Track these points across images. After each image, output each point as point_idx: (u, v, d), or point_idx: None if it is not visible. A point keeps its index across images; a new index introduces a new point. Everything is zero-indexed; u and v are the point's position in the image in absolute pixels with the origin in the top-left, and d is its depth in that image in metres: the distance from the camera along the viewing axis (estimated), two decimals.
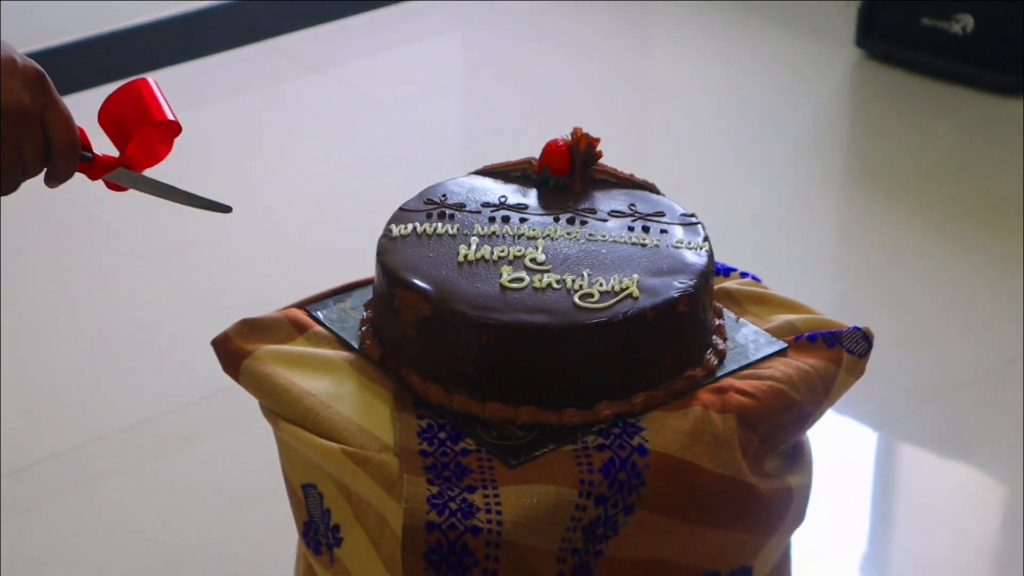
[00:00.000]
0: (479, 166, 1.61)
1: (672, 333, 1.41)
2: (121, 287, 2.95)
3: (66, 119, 1.25)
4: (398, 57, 3.77)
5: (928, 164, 3.38)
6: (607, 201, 1.54)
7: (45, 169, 1.26)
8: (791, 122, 3.53)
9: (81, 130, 1.26)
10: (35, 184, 2.85)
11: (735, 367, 1.46)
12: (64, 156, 1.26)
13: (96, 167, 1.30)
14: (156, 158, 1.34)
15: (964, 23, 3.58)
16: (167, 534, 2.40)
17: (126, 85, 1.30)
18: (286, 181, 3.15)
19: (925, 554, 2.41)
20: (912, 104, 3.58)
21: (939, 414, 2.67)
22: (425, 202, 1.52)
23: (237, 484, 2.46)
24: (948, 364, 2.76)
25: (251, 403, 1.49)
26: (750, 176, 3.32)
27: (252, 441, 2.25)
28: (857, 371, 1.50)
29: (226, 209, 1.36)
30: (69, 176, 1.29)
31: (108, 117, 1.32)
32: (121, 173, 1.32)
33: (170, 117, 1.31)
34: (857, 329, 1.51)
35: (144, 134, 1.32)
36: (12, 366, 2.73)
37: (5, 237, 3.05)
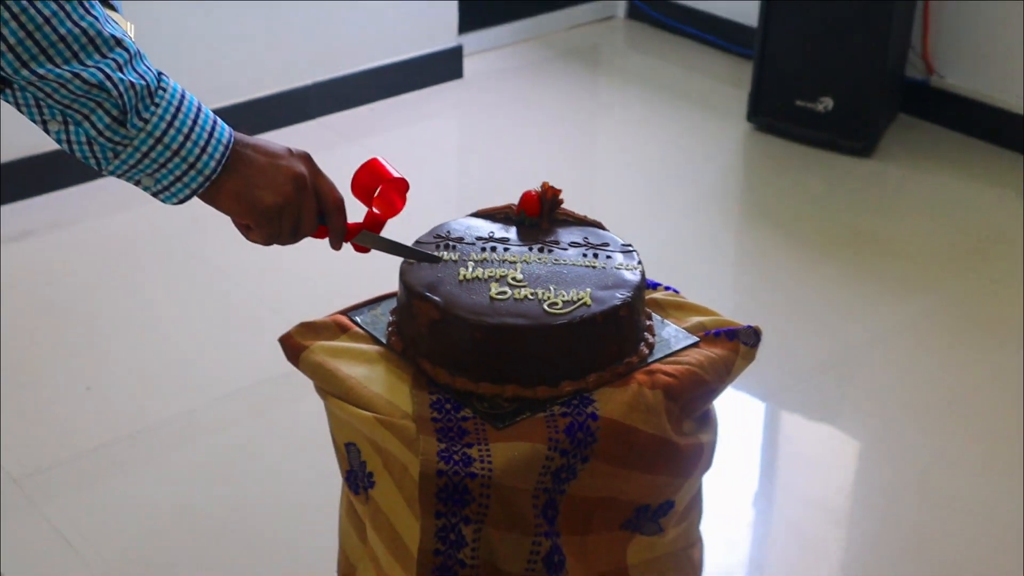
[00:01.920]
0: (473, 210, 1.61)
1: (615, 331, 1.42)
2: (211, 298, 2.95)
3: (331, 185, 1.31)
4: (412, 130, 3.77)
5: (801, 208, 3.39)
6: (567, 235, 1.55)
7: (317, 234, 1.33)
8: (700, 177, 3.55)
9: None
10: (154, 223, 2.82)
11: (661, 355, 1.46)
12: (335, 212, 1.31)
13: (349, 231, 1.34)
14: (395, 209, 1.39)
15: (826, 104, 3.59)
16: (247, 480, 2.41)
17: (364, 163, 1.37)
18: None
19: (800, 490, 2.43)
20: (789, 164, 3.59)
21: (809, 387, 2.68)
22: (434, 236, 1.53)
23: (295, 443, 2.46)
24: (815, 350, 2.77)
25: (306, 383, 1.49)
26: (670, 217, 3.33)
27: (306, 411, 2.26)
28: (750, 357, 1.52)
29: (437, 259, 1.47)
30: (343, 230, 1.33)
31: (356, 186, 1.38)
32: (364, 235, 1.37)
33: (396, 175, 1.37)
34: (750, 327, 1.52)
35: (384, 191, 1.37)
36: (129, 354, 2.73)
37: (132, 262, 3.06)
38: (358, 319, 1.53)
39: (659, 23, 4.46)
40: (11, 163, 3.26)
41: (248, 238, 1.30)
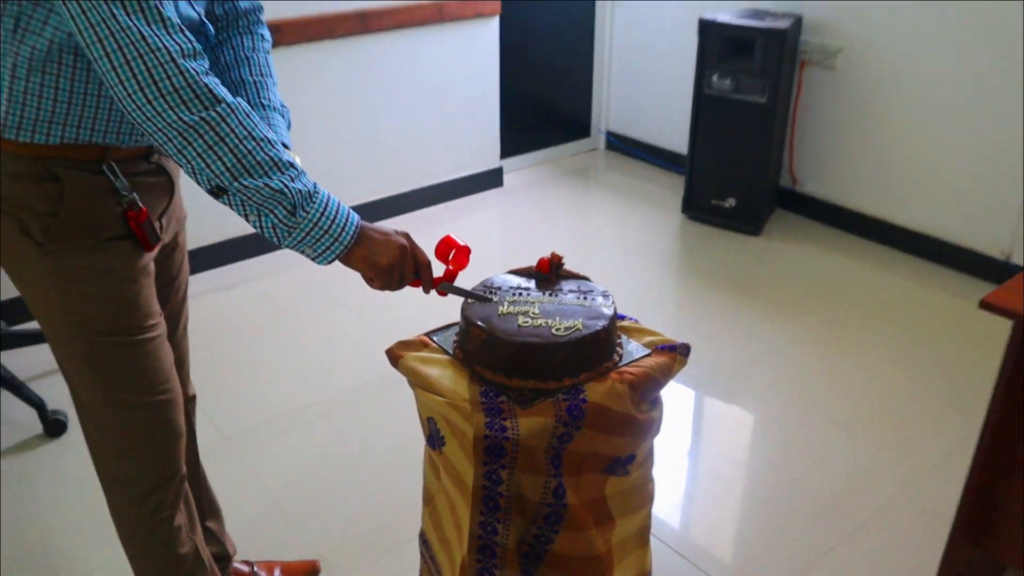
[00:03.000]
0: (508, 269, 1.60)
1: (597, 346, 1.39)
2: (343, 325, 2.94)
3: (423, 252, 1.33)
4: (471, 219, 3.78)
5: (716, 267, 3.37)
6: (567, 285, 1.53)
7: (413, 282, 1.34)
8: (652, 248, 3.53)
9: None
10: (307, 279, 2.78)
11: (627, 362, 1.43)
12: (426, 269, 1.32)
13: (434, 281, 1.36)
14: (462, 266, 1.39)
15: (730, 202, 3.58)
16: (369, 438, 2.39)
17: (442, 238, 1.37)
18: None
19: (717, 447, 2.39)
20: (708, 240, 3.58)
21: (722, 382, 2.65)
22: (483, 286, 1.51)
23: (396, 416, 2.44)
24: (726, 357, 2.74)
25: (402, 379, 1.48)
26: (633, 273, 3.31)
27: (404, 398, 2.25)
28: (684, 363, 1.48)
29: (490, 299, 1.45)
30: (430, 281, 1.34)
31: (438, 252, 1.38)
32: (444, 285, 1.37)
33: (463, 244, 1.37)
34: (684, 344, 1.49)
35: (455, 255, 1.37)
36: (293, 359, 2.73)
37: (295, 302, 3.06)
38: (435, 338, 1.52)
39: (626, 152, 4.46)
40: (225, 241, 3.29)
41: (371, 287, 1.32)
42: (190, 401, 1.65)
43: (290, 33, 3.18)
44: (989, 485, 1.56)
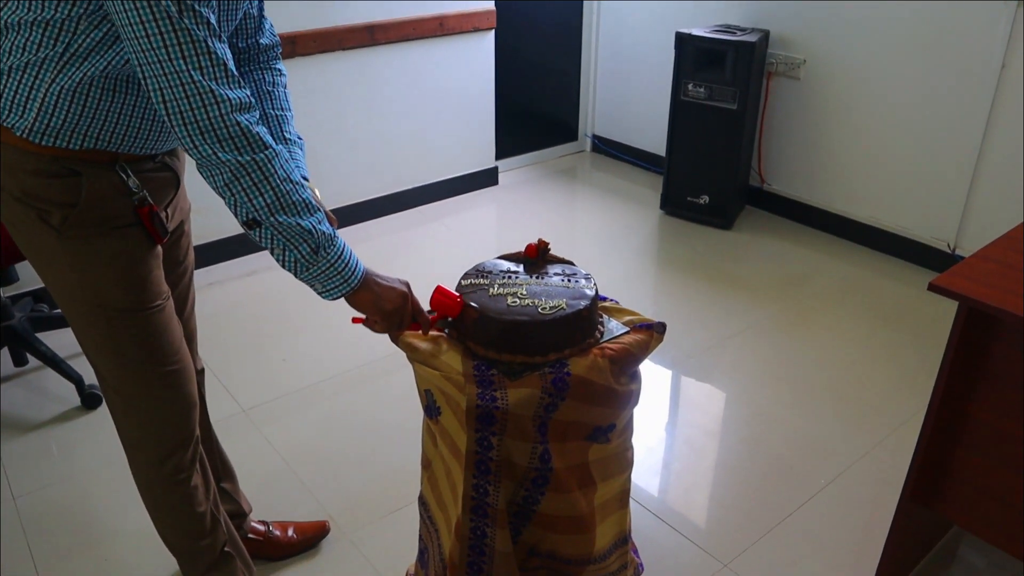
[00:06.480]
0: (499, 254, 1.57)
1: (580, 324, 1.37)
2: (348, 308, 2.91)
3: (417, 300, 1.32)
4: (469, 214, 3.75)
5: (690, 258, 3.34)
6: (552, 269, 1.50)
7: (411, 324, 1.33)
8: (633, 239, 3.50)
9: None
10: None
11: (607, 339, 1.41)
12: (421, 313, 1.32)
13: (430, 323, 1.36)
14: (455, 312, 1.37)
15: (704, 199, 3.55)
16: (375, 409, 2.36)
17: (436, 290, 1.36)
18: (420, 266, 3.13)
19: (690, 418, 2.37)
20: (684, 234, 3.55)
21: (696, 360, 2.63)
22: (476, 270, 1.49)
23: (398, 392, 2.42)
24: (699, 338, 2.73)
25: (402, 355, 1.45)
26: (615, 261, 3.28)
27: (404, 374, 2.22)
28: (660, 340, 1.46)
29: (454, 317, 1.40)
30: (427, 324, 1.35)
31: (433, 302, 1.36)
32: (441, 322, 1.37)
33: (455, 293, 1.36)
34: (660, 323, 1.47)
35: (450, 303, 1.36)
36: (306, 341, 2.70)
37: (305, 286, 3.03)
38: None
39: (610, 154, 4.44)
40: (241, 234, 3.26)
41: (373, 329, 1.33)
42: (200, 374, 1.64)
43: (304, 45, 3.15)
44: (937, 452, 1.54)
